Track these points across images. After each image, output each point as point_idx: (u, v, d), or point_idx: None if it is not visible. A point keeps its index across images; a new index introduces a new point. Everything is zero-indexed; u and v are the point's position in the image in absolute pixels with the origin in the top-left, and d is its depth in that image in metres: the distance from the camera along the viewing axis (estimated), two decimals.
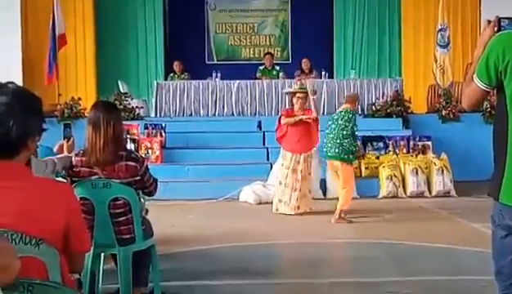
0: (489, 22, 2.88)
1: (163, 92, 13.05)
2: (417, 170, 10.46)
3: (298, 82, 9.71)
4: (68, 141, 4.70)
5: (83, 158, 4.19)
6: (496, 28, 2.82)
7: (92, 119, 4.18)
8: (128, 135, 10.22)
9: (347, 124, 8.18)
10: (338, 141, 8.17)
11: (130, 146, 9.60)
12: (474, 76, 2.78)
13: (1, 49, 13.04)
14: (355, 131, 8.34)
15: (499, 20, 2.84)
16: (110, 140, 4.10)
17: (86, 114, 9.29)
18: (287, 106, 11.76)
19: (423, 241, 6.95)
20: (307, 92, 9.02)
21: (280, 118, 9.13)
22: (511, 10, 4.71)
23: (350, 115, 8.26)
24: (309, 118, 8.82)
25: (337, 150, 8.20)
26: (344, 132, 8.15)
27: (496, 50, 2.70)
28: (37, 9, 14.34)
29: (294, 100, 9.01)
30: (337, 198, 8.48)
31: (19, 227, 2.16)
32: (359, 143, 8.79)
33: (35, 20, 14.34)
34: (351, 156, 8.28)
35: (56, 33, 12.77)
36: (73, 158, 4.24)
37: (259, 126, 12.30)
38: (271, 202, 9.23)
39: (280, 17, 17.11)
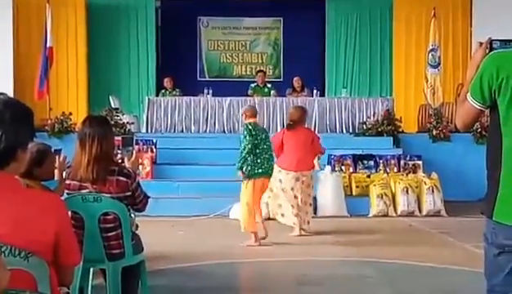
0: (481, 44, 2.90)
1: (155, 108, 13.03)
2: (408, 189, 10.45)
3: None
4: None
5: (72, 173, 4.17)
6: (487, 50, 2.84)
7: (79, 136, 4.16)
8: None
9: None
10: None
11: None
12: (468, 95, 2.79)
13: None
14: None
15: (491, 41, 2.87)
16: (96, 158, 4.04)
17: (76, 129, 9.25)
18: (279, 124, 11.82)
19: (413, 260, 6.93)
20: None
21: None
22: (501, 30, 4.76)
23: None
24: None
25: None
26: None
27: (489, 68, 2.71)
28: (29, 23, 14.34)
29: None
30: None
31: (8, 239, 2.14)
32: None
33: (27, 34, 14.34)
34: None
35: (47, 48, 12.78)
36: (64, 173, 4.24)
37: None
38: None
39: (272, 35, 17.15)
